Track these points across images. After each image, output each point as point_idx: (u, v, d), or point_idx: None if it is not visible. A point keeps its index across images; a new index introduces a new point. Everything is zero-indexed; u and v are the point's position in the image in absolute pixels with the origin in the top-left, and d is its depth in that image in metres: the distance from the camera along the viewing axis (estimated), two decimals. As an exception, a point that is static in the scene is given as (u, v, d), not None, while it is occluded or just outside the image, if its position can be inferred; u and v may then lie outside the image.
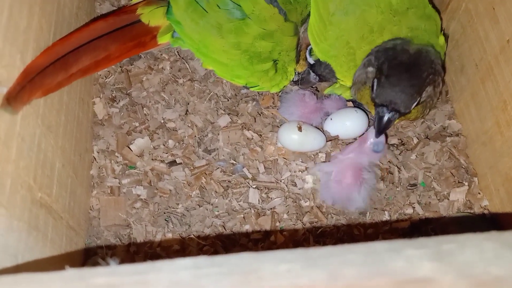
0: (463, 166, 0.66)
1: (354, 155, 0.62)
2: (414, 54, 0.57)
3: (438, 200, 0.63)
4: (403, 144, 0.67)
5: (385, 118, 0.57)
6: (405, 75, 0.56)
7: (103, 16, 0.62)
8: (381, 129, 0.59)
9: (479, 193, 0.64)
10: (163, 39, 0.63)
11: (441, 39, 0.62)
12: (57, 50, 0.53)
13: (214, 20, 0.59)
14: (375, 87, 0.57)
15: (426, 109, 0.61)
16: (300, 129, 0.63)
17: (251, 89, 0.65)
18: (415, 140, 0.67)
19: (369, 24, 0.59)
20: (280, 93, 0.69)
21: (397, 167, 0.65)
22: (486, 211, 0.63)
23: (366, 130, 0.67)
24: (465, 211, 0.63)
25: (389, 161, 0.66)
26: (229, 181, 0.64)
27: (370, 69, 0.58)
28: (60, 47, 0.54)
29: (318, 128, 0.66)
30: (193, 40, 0.61)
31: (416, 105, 0.57)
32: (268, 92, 0.68)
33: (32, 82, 0.47)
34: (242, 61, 0.61)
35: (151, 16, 0.62)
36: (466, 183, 0.64)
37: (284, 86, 0.65)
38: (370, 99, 0.59)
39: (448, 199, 0.63)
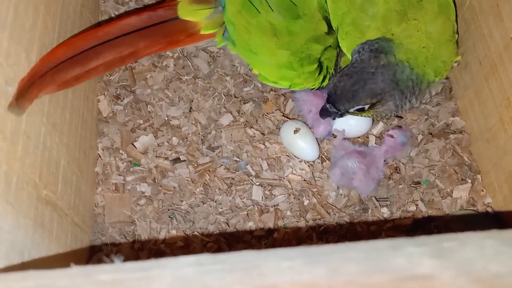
0: (467, 163, 0.66)
1: (383, 151, 0.64)
2: (380, 67, 0.57)
3: (441, 197, 0.63)
4: (407, 142, 0.67)
5: (323, 106, 0.62)
6: (353, 83, 0.58)
7: (137, 11, 0.60)
8: (321, 111, 0.63)
9: (482, 191, 0.64)
10: (204, 34, 0.63)
11: (449, 47, 0.60)
12: (79, 45, 0.52)
13: (266, 20, 0.59)
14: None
15: (384, 117, 0.65)
16: (296, 131, 0.64)
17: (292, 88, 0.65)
18: (419, 137, 0.67)
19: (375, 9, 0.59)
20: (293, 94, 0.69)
21: (402, 163, 0.65)
22: (489, 209, 0.63)
23: (370, 128, 0.67)
24: (468, 208, 0.63)
25: (393, 159, 0.66)
26: (233, 178, 0.64)
27: (356, 55, 0.59)
28: (84, 42, 0.53)
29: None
30: (244, 41, 0.61)
31: (359, 111, 0.60)
32: (271, 99, 0.69)
33: (43, 77, 0.47)
34: (291, 62, 0.61)
35: (192, 14, 0.61)
36: (469, 181, 0.64)
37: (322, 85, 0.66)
38: None
39: (451, 197, 0.64)
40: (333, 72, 0.64)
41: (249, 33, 0.60)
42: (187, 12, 0.61)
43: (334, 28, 0.61)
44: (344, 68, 0.61)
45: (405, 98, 0.60)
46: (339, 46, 0.63)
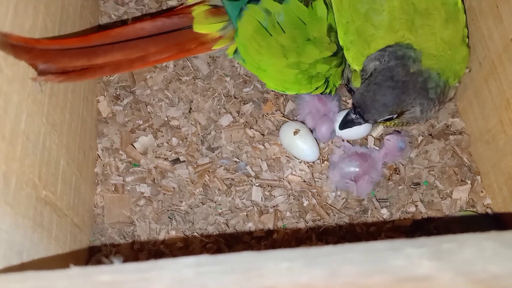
0: (466, 165, 0.66)
1: (382, 154, 0.64)
2: (410, 75, 0.57)
3: (441, 198, 0.63)
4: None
5: (348, 116, 0.61)
6: (383, 92, 0.57)
7: (151, 17, 0.61)
8: (343, 123, 0.62)
9: (482, 192, 0.64)
10: (216, 46, 0.63)
11: (462, 50, 0.60)
12: (91, 40, 0.53)
13: (277, 42, 0.60)
14: (360, 85, 0.59)
15: (407, 125, 0.63)
16: (295, 133, 0.64)
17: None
18: (419, 138, 0.67)
19: (377, 21, 0.58)
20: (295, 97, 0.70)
21: (402, 164, 0.65)
22: (489, 210, 0.63)
23: (370, 131, 0.67)
24: (468, 209, 0.63)
25: (393, 160, 0.66)
26: (232, 179, 0.64)
27: (376, 63, 0.58)
28: (96, 39, 0.54)
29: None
30: (254, 60, 0.62)
31: (387, 121, 0.59)
32: (270, 99, 0.69)
33: (47, 51, 0.48)
34: (300, 80, 0.62)
35: (206, 28, 0.62)
36: (469, 182, 0.64)
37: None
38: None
39: (451, 198, 0.64)
40: (340, 83, 0.65)
41: (260, 55, 0.61)
42: (202, 26, 0.61)
43: (341, 44, 0.61)
44: (368, 77, 0.59)
45: (433, 105, 0.59)
46: (345, 59, 0.63)
